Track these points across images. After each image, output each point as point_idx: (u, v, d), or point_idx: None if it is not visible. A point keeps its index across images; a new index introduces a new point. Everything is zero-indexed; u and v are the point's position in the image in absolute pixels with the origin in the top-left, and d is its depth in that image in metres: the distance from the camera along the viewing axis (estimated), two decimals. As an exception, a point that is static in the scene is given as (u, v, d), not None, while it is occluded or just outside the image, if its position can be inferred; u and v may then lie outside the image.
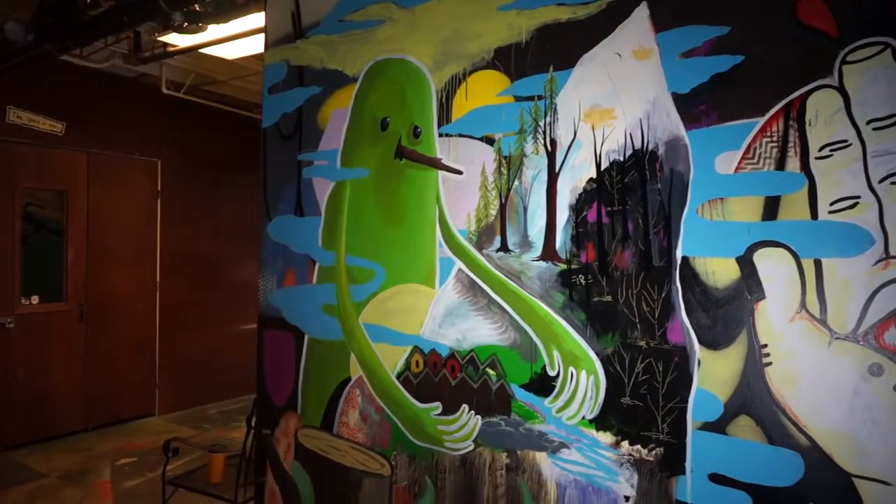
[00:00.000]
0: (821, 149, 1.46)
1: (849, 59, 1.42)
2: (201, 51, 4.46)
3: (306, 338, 2.55)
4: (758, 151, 1.54)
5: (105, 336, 5.65)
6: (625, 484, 1.75)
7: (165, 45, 4.56)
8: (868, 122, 1.40)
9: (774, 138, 1.52)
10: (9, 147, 4.94)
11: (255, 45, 4.13)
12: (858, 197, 1.41)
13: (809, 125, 1.47)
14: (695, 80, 1.63)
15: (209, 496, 3.37)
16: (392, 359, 2.27)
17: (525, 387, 1.94)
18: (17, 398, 5.09)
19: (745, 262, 1.55)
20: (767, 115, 1.52)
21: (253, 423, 3.03)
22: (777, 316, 1.52)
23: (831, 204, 1.44)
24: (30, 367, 5.18)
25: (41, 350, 5.24)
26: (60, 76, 5.11)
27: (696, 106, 1.63)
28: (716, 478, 1.59)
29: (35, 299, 5.21)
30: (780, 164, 1.51)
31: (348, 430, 2.40)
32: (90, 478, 4.59)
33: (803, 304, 1.48)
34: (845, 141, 1.43)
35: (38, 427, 5.28)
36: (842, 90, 1.43)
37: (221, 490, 3.35)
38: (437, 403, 2.15)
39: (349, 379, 2.40)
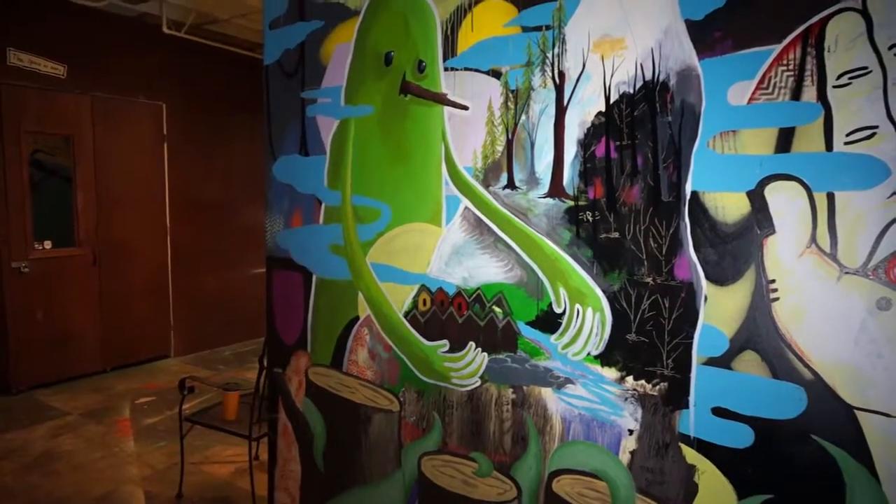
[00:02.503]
0: (839, 77, 1.40)
1: (874, -21, 1.35)
2: (201, -13, 4.33)
3: (314, 278, 2.56)
4: (773, 81, 1.48)
5: (119, 280, 5.73)
6: (629, 418, 1.78)
7: (164, -19, 4.43)
8: (890, 48, 1.34)
9: (791, 66, 1.46)
10: (11, 90, 4.89)
11: (256, -20, 4.00)
12: (876, 127, 1.36)
13: (828, 52, 1.41)
14: (710, 6, 1.55)
15: (224, 432, 3.48)
16: (399, 297, 2.29)
17: (531, 324, 1.95)
18: (37, 340, 5.22)
19: (756, 197, 1.52)
20: (784, 42, 1.46)
21: (265, 363, 3.10)
22: (786, 251, 1.49)
23: (847, 135, 1.40)
24: (47, 311, 5.29)
25: (57, 294, 5.33)
26: (60, 16, 5.00)
27: (710, 33, 1.56)
28: (719, 411, 1.61)
29: (48, 244, 5.27)
30: (796, 94, 1.46)
31: (357, 367, 2.44)
32: (111, 415, 4.75)
33: (813, 239, 1.45)
34: (865, 68, 1.37)
35: (60, 368, 5.43)
36: (865, 13, 1.36)
37: (236, 427, 3.46)
38: (445, 341, 2.18)
39: (357, 318, 2.43)
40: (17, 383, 5.10)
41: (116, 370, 5.75)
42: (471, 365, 2.12)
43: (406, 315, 2.27)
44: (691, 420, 1.66)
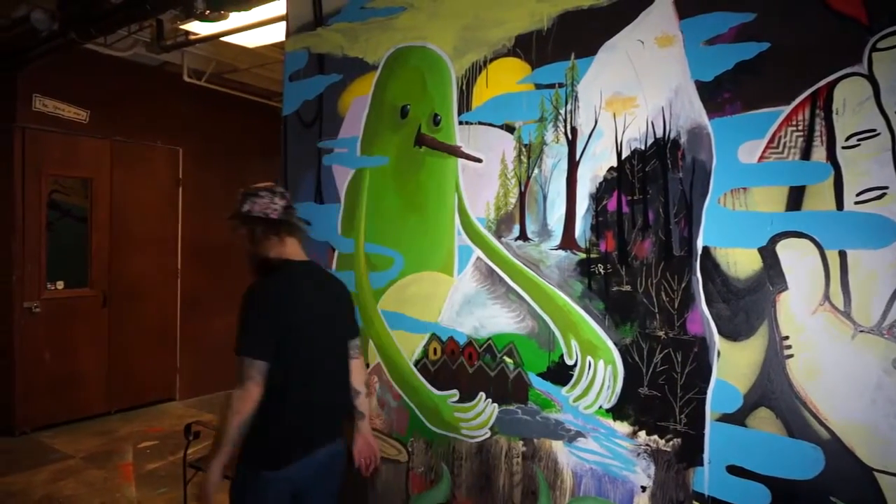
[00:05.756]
0: (848, 138, 1.43)
1: (879, 45, 1.39)
2: (223, 39, 4.49)
3: (325, 324, 2.57)
4: (782, 140, 1.51)
5: (128, 322, 5.74)
6: (641, 474, 1.75)
7: (187, 33, 4.59)
8: (897, 111, 1.37)
9: (800, 127, 1.49)
10: (34, 134, 5.02)
11: (277, 33, 4.14)
12: (886, 187, 1.38)
13: (836, 114, 1.45)
14: (719, 68, 1.60)
15: (228, 479, 3.42)
16: (410, 346, 2.29)
17: (542, 375, 1.95)
18: (43, 381, 5.20)
19: (768, 253, 1.54)
20: (793, 104, 1.50)
21: (272, 408, 3.06)
22: (799, 308, 1.50)
23: (858, 195, 1.42)
24: (55, 352, 5.29)
25: (66, 334, 5.34)
26: (85, 64, 5.17)
27: (719, 94, 1.60)
28: (734, 470, 1.59)
29: (60, 285, 5.31)
30: (806, 154, 1.49)
31: (366, 416, 2.42)
32: (113, 460, 4.69)
33: (827, 296, 1.46)
34: (874, 130, 1.40)
35: (64, 409, 5.39)
36: (871, 78, 1.40)
37: (241, 473, 3.39)
38: (455, 391, 2.16)
39: (367, 366, 2.42)
40: (20, 424, 5.06)
41: (121, 412, 5.70)
42: (481, 415, 2.10)
43: (416, 364, 2.27)
44: (706, 478, 1.63)
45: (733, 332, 1.59)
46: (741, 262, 1.58)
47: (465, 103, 2.14)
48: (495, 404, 2.06)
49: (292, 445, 1.91)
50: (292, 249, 2.01)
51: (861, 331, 1.41)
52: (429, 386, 2.23)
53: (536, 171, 1.96)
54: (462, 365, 2.14)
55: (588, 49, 1.85)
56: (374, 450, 2.10)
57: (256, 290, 1.94)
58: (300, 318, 1.93)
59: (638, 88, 1.75)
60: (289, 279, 1.97)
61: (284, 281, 1.96)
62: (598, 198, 1.83)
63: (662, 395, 1.71)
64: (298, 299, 1.94)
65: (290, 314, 1.91)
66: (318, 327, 1.98)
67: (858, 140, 1.42)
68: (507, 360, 2.02)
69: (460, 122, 2.15)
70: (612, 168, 1.80)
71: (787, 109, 1.51)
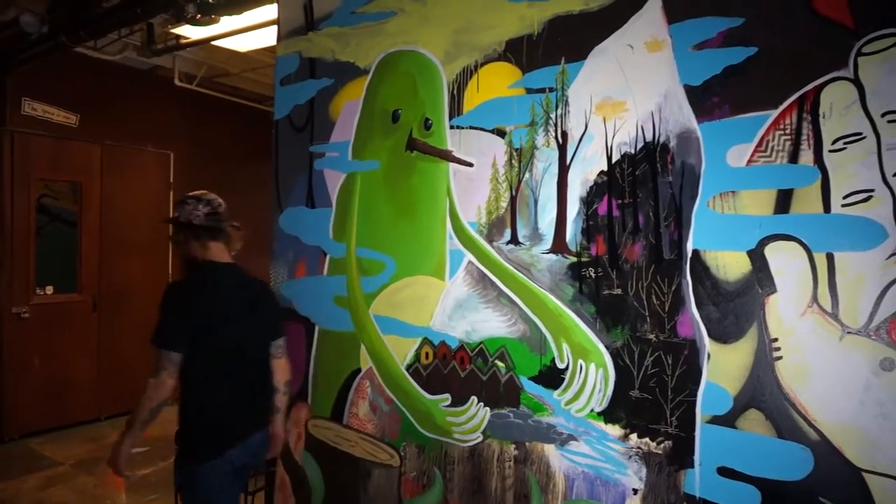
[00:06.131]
0: (834, 141, 1.45)
1: (864, 50, 1.41)
2: (214, 43, 4.48)
3: (317, 329, 2.57)
4: (770, 144, 1.52)
5: (118, 327, 5.70)
6: (633, 477, 1.75)
7: (178, 37, 4.58)
8: (883, 115, 1.39)
9: (787, 131, 1.50)
10: (24, 138, 4.99)
11: (268, 37, 4.14)
12: (872, 190, 1.40)
13: (823, 118, 1.46)
14: (707, 73, 1.62)
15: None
16: (402, 350, 2.28)
17: (534, 379, 1.95)
18: (32, 387, 5.16)
19: (757, 256, 1.55)
20: (781, 108, 1.51)
21: (264, 413, 3.05)
22: (788, 310, 1.51)
23: (844, 197, 1.43)
24: (45, 357, 5.24)
25: (55, 340, 5.30)
26: (74, 68, 5.14)
27: (708, 98, 1.62)
28: (724, 471, 1.59)
29: (49, 289, 5.27)
30: (793, 157, 1.50)
31: (358, 420, 2.42)
32: (103, 466, 4.64)
33: (815, 299, 1.47)
34: (860, 133, 1.42)
35: (54, 416, 5.34)
36: (857, 82, 1.42)
37: (232, 479, 3.38)
38: (447, 395, 2.16)
39: (359, 370, 2.42)
40: (9, 431, 5.02)
41: (111, 418, 5.65)
42: (473, 420, 2.10)
43: (408, 368, 2.27)
44: (697, 480, 1.64)
45: (723, 335, 1.60)
46: (730, 264, 1.59)
47: (456, 108, 2.14)
48: (487, 408, 2.06)
49: (224, 435, 2.11)
50: (216, 252, 2.22)
51: (849, 332, 1.43)
52: (421, 390, 2.23)
53: (527, 175, 1.96)
54: (454, 369, 2.14)
55: (578, 53, 1.86)
56: (278, 440, 2.30)
57: (175, 287, 2.21)
58: (216, 315, 2.13)
59: (628, 93, 1.76)
60: (206, 279, 2.18)
61: (202, 280, 2.19)
62: (588, 202, 1.84)
63: (653, 397, 1.72)
64: (215, 297, 2.15)
65: (205, 311, 2.12)
66: (236, 325, 2.16)
67: (845, 143, 1.43)
68: (499, 363, 2.03)
69: (451, 127, 2.15)
70: (602, 172, 1.81)
71: (774, 113, 1.52)
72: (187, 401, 2.12)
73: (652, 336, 1.72)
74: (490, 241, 2.05)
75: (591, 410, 1.83)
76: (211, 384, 2.11)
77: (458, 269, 2.13)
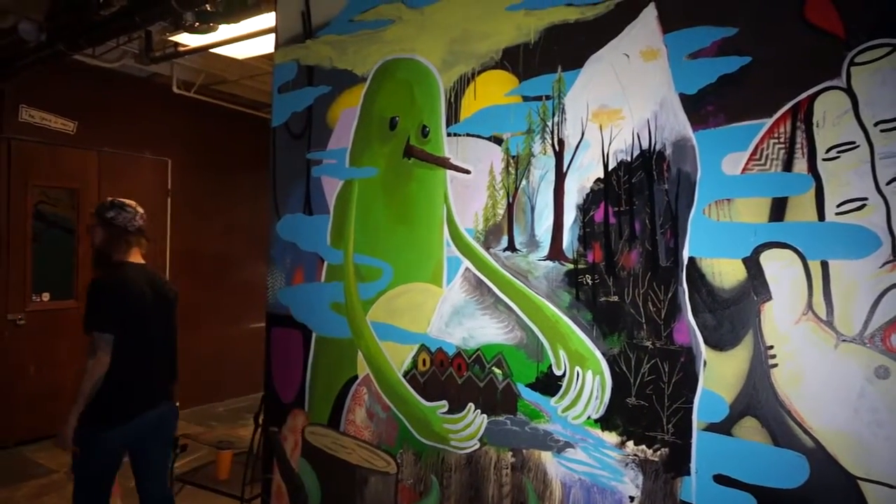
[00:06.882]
0: (828, 150, 1.46)
1: (857, 60, 1.42)
2: (212, 51, 4.50)
3: (314, 335, 2.57)
4: (765, 153, 1.54)
5: (115, 333, 5.68)
6: (630, 484, 1.75)
7: (176, 44, 4.59)
8: (876, 124, 1.40)
9: (781, 139, 1.52)
10: (21, 145, 5.00)
11: (266, 44, 4.16)
12: (866, 199, 1.41)
13: (817, 126, 1.47)
14: (702, 81, 1.63)
15: (216, 493, 3.40)
16: (399, 357, 2.28)
17: (531, 386, 1.95)
18: (27, 394, 5.14)
19: (752, 264, 1.56)
20: (775, 117, 1.52)
21: (260, 421, 3.05)
22: (783, 317, 1.52)
23: (838, 206, 1.44)
24: (40, 364, 5.23)
25: (51, 347, 5.28)
26: (72, 76, 5.15)
27: (703, 107, 1.63)
28: (721, 479, 1.60)
29: (46, 296, 5.26)
30: (788, 166, 1.51)
31: (355, 427, 2.42)
32: (99, 473, 4.61)
33: (810, 306, 1.48)
34: (853, 142, 1.43)
35: (48, 423, 5.31)
36: (850, 91, 1.43)
37: (229, 487, 3.38)
38: (444, 402, 2.16)
39: (356, 377, 2.42)
40: (3, 438, 4.99)
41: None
42: (470, 427, 2.10)
43: (405, 375, 2.27)
44: (693, 487, 1.64)
45: (719, 342, 1.61)
46: (726, 272, 1.59)
47: (453, 115, 2.15)
48: (484, 415, 2.06)
49: (127, 410, 2.61)
50: (135, 255, 2.78)
51: (844, 340, 1.43)
52: (418, 397, 2.23)
53: (524, 182, 1.97)
54: (451, 376, 2.14)
55: (575, 62, 1.87)
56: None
57: (103, 280, 2.63)
58: (135, 306, 2.63)
59: (624, 101, 1.77)
60: (127, 275, 2.68)
61: (124, 276, 2.66)
62: (585, 209, 1.85)
63: (650, 405, 1.72)
64: (135, 291, 2.65)
65: (127, 302, 2.61)
66: (151, 316, 2.70)
67: (838, 152, 1.44)
68: (496, 370, 2.03)
69: (449, 134, 2.16)
70: (598, 179, 1.82)
71: (769, 122, 1.53)
72: (105, 380, 2.54)
73: (648, 343, 1.72)
74: (487, 248, 2.05)
75: (588, 417, 1.83)
76: (128, 361, 2.57)
77: (455, 276, 2.13)
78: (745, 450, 1.56)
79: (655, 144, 1.71)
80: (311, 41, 2.60)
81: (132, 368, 2.60)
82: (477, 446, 2.08)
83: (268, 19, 3.62)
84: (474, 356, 2.08)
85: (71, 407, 2.52)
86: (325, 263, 2.52)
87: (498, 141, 2.03)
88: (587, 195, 1.84)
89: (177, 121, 6.03)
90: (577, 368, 1.86)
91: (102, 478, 2.65)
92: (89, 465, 2.60)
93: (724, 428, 1.59)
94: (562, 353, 1.89)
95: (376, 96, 2.38)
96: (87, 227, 2.82)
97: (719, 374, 1.60)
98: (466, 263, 2.10)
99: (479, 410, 2.07)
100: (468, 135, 2.11)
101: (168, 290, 2.88)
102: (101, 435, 2.54)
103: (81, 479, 2.63)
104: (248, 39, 4.10)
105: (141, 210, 2.80)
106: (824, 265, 1.46)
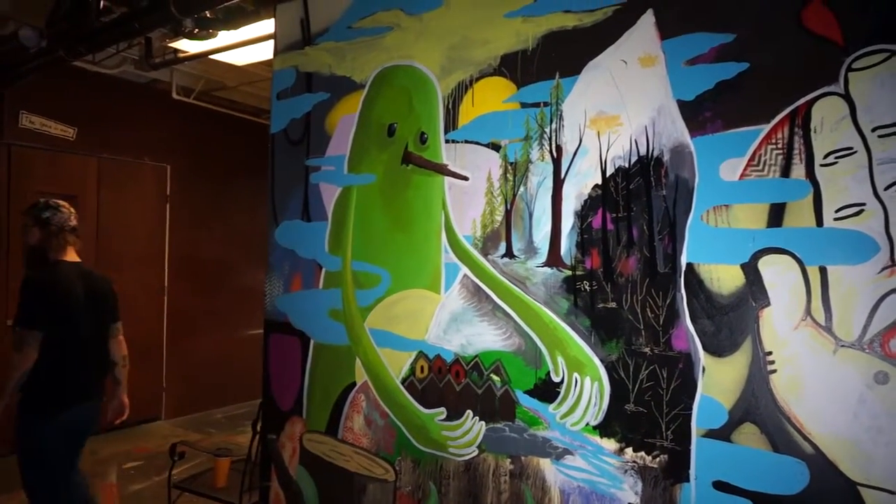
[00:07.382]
0: (826, 156, 1.46)
1: (854, 66, 1.42)
2: (211, 57, 4.50)
3: (312, 342, 2.56)
4: (763, 158, 1.54)
5: (113, 340, 5.67)
6: (629, 491, 1.75)
7: (176, 51, 4.60)
8: (874, 130, 1.40)
9: (779, 145, 1.52)
10: (21, 151, 5.00)
11: (265, 51, 4.17)
12: (864, 204, 1.41)
13: (814, 132, 1.47)
14: (700, 88, 1.63)
15: (214, 500, 3.38)
16: (397, 364, 2.28)
17: (529, 393, 1.94)
18: (25, 401, 5.11)
19: (750, 269, 1.55)
20: (772, 123, 1.53)
21: (258, 428, 3.04)
22: (782, 323, 1.51)
23: (836, 211, 1.44)
24: (38, 370, 5.20)
25: (50, 353, 5.26)
26: (72, 82, 5.16)
27: (701, 113, 1.63)
28: (720, 485, 1.59)
29: (44, 302, 5.24)
30: (785, 172, 1.51)
31: (353, 434, 2.41)
32: (97, 481, 4.60)
33: (808, 312, 1.48)
34: (850, 148, 1.43)
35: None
36: (847, 97, 1.43)
37: (226, 494, 3.35)
38: (442, 409, 2.16)
39: (354, 384, 2.41)
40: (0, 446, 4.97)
41: (105, 432, 5.61)
42: (468, 434, 2.09)
43: (403, 382, 2.26)
44: (692, 494, 1.63)
45: (718, 348, 1.60)
46: (724, 278, 1.59)
47: (451, 122, 2.15)
48: (482, 422, 2.06)
49: (66, 399, 2.74)
50: (69, 253, 2.86)
51: (842, 345, 1.43)
52: (416, 404, 2.22)
53: (522, 188, 1.97)
54: (449, 383, 2.14)
55: (572, 68, 1.87)
56: (124, 407, 3.03)
57: (36, 278, 2.73)
58: (69, 302, 2.72)
59: (621, 107, 1.78)
60: (61, 273, 2.77)
61: (58, 274, 2.76)
62: (583, 215, 1.85)
63: (649, 411, 1.71)
64: (69, 288, 2.74)
65: (61, 298, 2.70)
66: (85, 311, 2.80)
67: (836, 158, 1.44)
68: (494, 377, 2.02)
69: (447, 141, 2.16)
70: (596, 186, 1.82)
71: (766, 128, 1.53)
72: (39, 368, 2.65)
73: (647, 349, 1.72)
74: (485, 255, 2.05)
75: (587, 424, 1.83)
76: (61, 355, 2.69)
77: (453, 283, 2.13)
78: (744, 456, 1.55)
79: (653, 150, 1.71)
80: (309, 48, 2.61)
81: (64, 363, 2.71)
82: (475, 453, 2.07)
83: (267, 26, 3.63)
84: (472, 363, 2.08)
85: None
86: (324, 270, 2.52)
87: (496, 147, 2.04)
88: (585, 201, 1.84)
89: (176, 127, 6.04)
90: (576, 375, 1.85)
91: (48, 463, 2.76)
92: (32, 453, 2.74)
93: (723, 434, 1.58)
94: (560, 359, 1.88)
95: (374, 103, 2.38)
96: (21, 227, 2.86)
97: (718, 381, 1.60)
98: (464, 270, 2.10)
99: (477, 417, 2.07)
100: (466, 141, 2.11)
101: (103, 285, 2.97)
102: (40, 423, 2.70)
103: (26, 464, 2.78)
104: (247, 46, 4.10)
105: (73, 210, 2.94)
106: (823, 271, 1.46)
